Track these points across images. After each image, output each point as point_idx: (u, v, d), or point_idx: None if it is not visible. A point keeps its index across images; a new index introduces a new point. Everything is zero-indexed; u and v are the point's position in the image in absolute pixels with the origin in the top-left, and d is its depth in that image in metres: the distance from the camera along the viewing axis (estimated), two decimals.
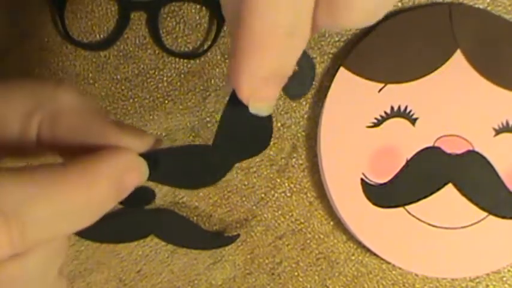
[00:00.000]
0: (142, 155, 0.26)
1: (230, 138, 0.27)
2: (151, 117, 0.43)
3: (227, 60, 0.43)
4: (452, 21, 0.42)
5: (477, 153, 0.41)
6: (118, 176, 0.24)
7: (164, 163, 0.27)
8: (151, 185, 0.28)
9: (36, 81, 0.26)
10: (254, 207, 0.43)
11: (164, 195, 0.42)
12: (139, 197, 0.27)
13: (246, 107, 0.25)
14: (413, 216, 0.41)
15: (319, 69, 0.43)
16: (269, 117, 0.27)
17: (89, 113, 0.26)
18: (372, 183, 0.41)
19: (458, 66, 0.42)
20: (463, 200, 0.41)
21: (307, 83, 0.28)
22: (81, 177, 0.23)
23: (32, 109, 0.26)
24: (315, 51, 0.43)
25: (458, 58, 0.42)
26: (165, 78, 0.43)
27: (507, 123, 0.42)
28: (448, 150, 0.42)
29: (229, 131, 0.27)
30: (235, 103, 0.25)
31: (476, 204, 0.41)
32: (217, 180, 0.29)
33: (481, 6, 0.43)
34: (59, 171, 0.23)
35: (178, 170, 0.27)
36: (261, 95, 0.25)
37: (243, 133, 0.27)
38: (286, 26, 0.23)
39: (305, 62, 0.27)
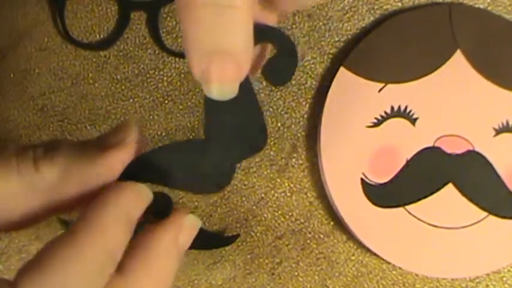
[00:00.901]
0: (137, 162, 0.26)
1: (221, 136, 0.26)
2: (151, 117, 0.43)
3: None
4: (452, 21, 0.42)
5: (477, 153, 0.41)
6: (125, 212, 0.25)
7: (162, 162, 0.26)
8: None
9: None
10: (254, 207, 0.43)
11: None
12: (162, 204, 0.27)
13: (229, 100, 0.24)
14: (414, 216, 0.41)
15: (319, 69, 0.43)
16: (254, 111, 0.26)
17: (72, 168, 0.26)
18: (372, 183, 0.41)
19: (458, 66, 0.42)
20: (463, 200, 0.41)
21: (288, 68, 0.27)
22: (90, 234, 0.24)
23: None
24: (314, 51, 0.43)
25: (458, 58, 0.42)
26: (165, 78, 0.43)
27: (507, 123, 0.42)
28: (448, 150, 0.42)
29: (217, 128, 0.26)
30: (209, 98, 0.25)
31: (476, 204, 0.41)
32: (222, 184, 0.28)
33: (481, 6, 0.43)
34: (67, 240, 0.23)
35: (174, 170, 0.27)
36: (212, 75, 0.23)
37: (233, 128, 0.27)
38: None
39: (284, 45, 0.26)
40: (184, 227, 0.27)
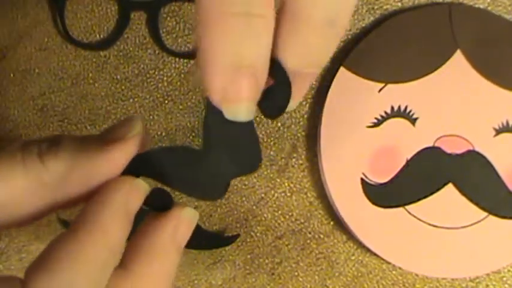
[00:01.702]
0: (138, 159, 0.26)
1: (218, 147, 0.26)
2: (151, 117, 0.43)
3: None
4: (452, 21, 0.42)
5: (477, 153, 0.41)
6: (123, 206, 0.25)
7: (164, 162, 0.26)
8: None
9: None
10: (254, 207, 0.43)
11: None
12: (161, 198, 0.27)
13: (223, 118, 0.23)
14: (414, 216, 0.41)
15: None
16: (252, 131, 0.25)
17: (77, 163, 0.25)
18: (372, 183, 0.41)
19: (458, 66, 0.42)
20: (463, 200, 0.41)
21: (283, 97, 0.25)
22: (91, 233, 0.24)
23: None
24: None
25: (458, 58, 0.42)
26: (165, 78, 0.43)
27: (507, 123, 0.42)
28: (448, 150, 0.42)
29: (215, 141, 0.25)
30: (212, 112, 0.23)
31: (476, 204, 0.41)
32: (215, 196, 0.27)
33: (481, 6, 0.43)
34: (69, 239, 0.23)
35: (175, 173, 0.27)
36: (233, 94, 0.22)
37: (230, 145, 0.25)
38: (241, 3, 0.21)
39: (280, 73, 0.24)
40: (182, 220, 0.27)
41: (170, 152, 0.27)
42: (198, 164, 0.26)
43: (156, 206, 0.27)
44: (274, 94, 0.24)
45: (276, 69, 0.23)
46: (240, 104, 0.22)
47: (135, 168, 0.26)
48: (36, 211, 0.25)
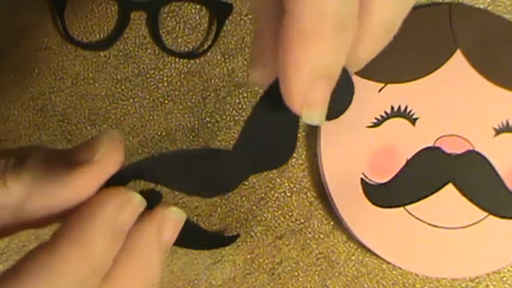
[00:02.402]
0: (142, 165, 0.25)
1: (252, 147, 0.26)
2: (151, 117, 0.43)
3: (227, 60, 0.43)
4: (452, 21, 0.42)
5: (477, 153, 0.41)
6: (111, 222, 0.23)
7: (175, 167, 0.26)
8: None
9: None
10: (254, 207, 0.43)
11: (164, 195, 0.42)
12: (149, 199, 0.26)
13: (275, 115, 0.23)
14: (414, 216, 0.41)
15: None
16: (295, 130, 0.25)
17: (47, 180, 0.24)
18: (372, 183, 0.41)
19: (458, 66, 0.42)
20: (463, 200, 0.41)
21: (341, 104, 0.26)
22: (72, 246, 0.22)
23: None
24: None
25: (458, 58, 0.42)
26: (165, 78, 0.43)
27: (507, 123, 0.42)
28: (448, 150, 0.42)
29: (252, 139, 0.25)
30: (266, 108, 0.24)
31: (476, 204, 0.41)
32: (230, 190, 0.27)
33: (481, 6, 0.43)
34: (47, 250, 0.22)
35: (190, 176, 0.26)
36: (312, 99, 0.22)
37: (266, 143, 0.26)
38: (336, 15, 0.21)
39: (345, 80, 0.25)
40: (167, 220, 0.25)
41: (187, 155, 0.26)
42: (218, 163, 0.26)
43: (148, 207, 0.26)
44: (337, 97, 0.24)
45: (342, 73, 0.24)
46: (317, 109, 0.23)
47: (145, 170, 0.25)
48: None
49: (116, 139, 0.25)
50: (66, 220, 0.23)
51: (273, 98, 0.24)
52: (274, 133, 0.26)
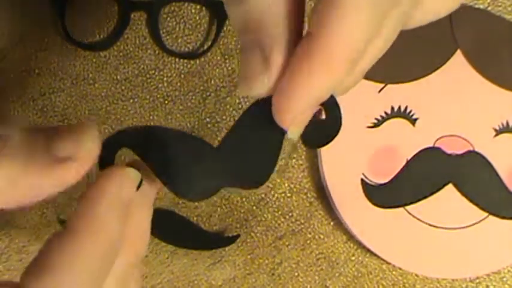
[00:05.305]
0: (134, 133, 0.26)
1: (231, 157, 0.26)
2: (151, 117, 0.43)
3: (227, 61, 0.43)
4: (452, 21, 0.42)
5: (477, 153, 0.41)
6: (118, 198, 0.24)
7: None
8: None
9: None
10: (254, 208, 0.43)
11: (164, 195, 0.42)
12: None
13: (258, 131, 0.24)
14: (414, 216, 0.41)
15: None
16: (276, 151, 0.26)
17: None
18: (372, 183, 0.41)
19: (458, 66, 0.42)
20: (463, 200, 0.41)
21: (327, 135, 0.27)
22: (90, 230, 0.23)
23: None
24: None
25: (458, 58, 0.42)
26: (165, 79, 0.43)
27: (507, 123, 0.42)
28: (448, 151, 0.42)
29: (231, 150, 0.26)
30: (250, 121, 0.24)
31: (476, 204, 0.41)
32: (202, 196, 0.27)
33: (481, 7, 0.43)
34: (67, 239, 0.23)
35: (168, 156, 0.26)
36: (301, 120, 0.24)
37: (245, 157, 0.26)
38: (357, 49, 0.22)
39: (333, 111, 0.26)
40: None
41: (179, 136, 0.26)
42: (201, 160, 0.26)
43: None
44: (325, 126, 0.25)
45: (330, 103, 0.25)
46: (301, 128, 0.25)
47: (136, 140, 0.26)
48: None
49: (95, 131, 0.25)
50: (77, 209, 0.24)
51: (258, 113, 0.24)
52: (254, 149, 0.26)
